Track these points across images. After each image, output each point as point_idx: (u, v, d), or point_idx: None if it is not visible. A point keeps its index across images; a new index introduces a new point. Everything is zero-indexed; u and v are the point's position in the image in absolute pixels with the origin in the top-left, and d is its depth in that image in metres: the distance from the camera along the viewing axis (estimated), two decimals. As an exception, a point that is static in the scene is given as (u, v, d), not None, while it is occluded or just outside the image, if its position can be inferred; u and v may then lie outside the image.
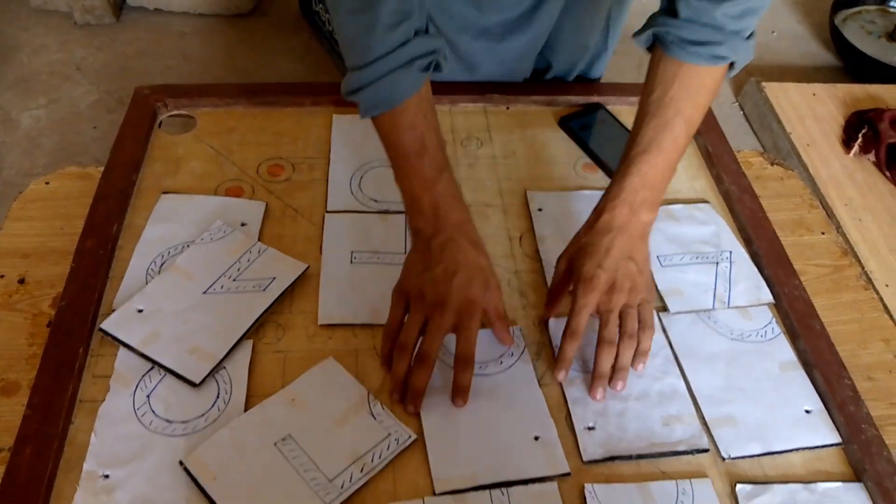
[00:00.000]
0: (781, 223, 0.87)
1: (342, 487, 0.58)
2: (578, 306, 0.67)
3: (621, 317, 0.68)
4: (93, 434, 0.60)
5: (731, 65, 0.69)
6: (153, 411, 0.62)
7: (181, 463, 0.58)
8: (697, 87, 0.69)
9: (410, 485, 0.60)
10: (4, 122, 1.60)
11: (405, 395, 0.64)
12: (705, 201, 0.87)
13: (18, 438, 0.59)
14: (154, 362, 0.64)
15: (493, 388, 0.66)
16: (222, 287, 0.71)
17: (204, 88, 0.93)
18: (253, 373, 0.66)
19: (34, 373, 0.64)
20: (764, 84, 1.85)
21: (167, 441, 0.60)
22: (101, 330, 0.66)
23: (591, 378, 0.67)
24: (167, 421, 0.61)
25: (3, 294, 0.72)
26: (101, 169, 0.81)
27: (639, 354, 0.68)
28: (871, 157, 1.64)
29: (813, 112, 1.75)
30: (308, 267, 0.74)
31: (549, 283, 0.75)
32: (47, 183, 0.83)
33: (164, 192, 0.80)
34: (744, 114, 1.96)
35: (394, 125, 0.66)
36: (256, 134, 0.89)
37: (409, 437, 0.62)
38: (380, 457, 0.60)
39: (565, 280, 0.71)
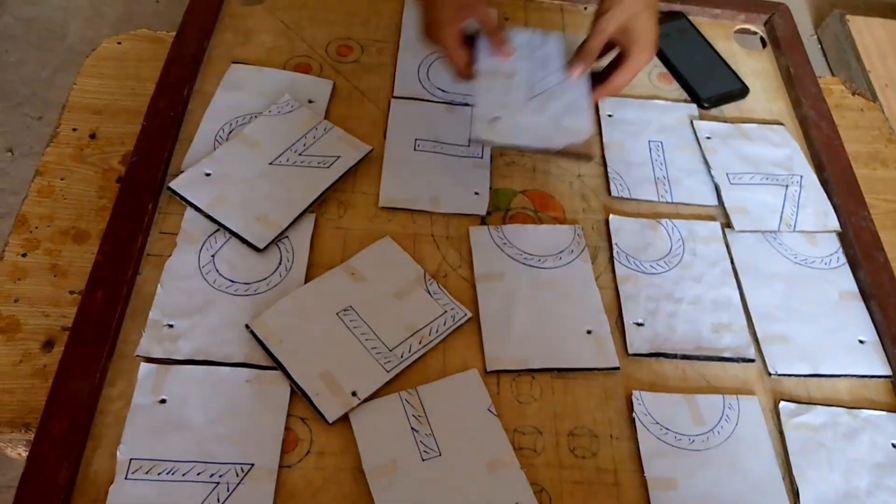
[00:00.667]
0: (856, 154, 0.84)
1: (402, 357, 0.60)
2: (637, 65, 0.68)
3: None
4: (159, 286, 0.63)
5: None
6: (217, 270, 0.64)
7: (247, 326, 0.60)
8: None
9: (459, 362, 0.62)
10: (67, -13, 1.60)
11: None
12: (781, 123, 0.84)
13: (90, 282, 0.61)
14: (220, 224, 0.66)
15: (550, 281, 0.67)
16: (288, 160, 0.71)
17: (277, -39, 0.91)
18: (314, 245, 0.67)
19: (103, 224, 0.66)
20: (848, 17, 1.74)
21: (230, 299, 0.62)
22: (169, 189, 0.68)
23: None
24: (231, 281, 0.63)
25: (76, 147, 0.73)
26: (173, 33, 0.81)
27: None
28: (952, 104, 1.56)
29: (896, 51, 1.66)
30: (372, 149, 0.74)
31: (612, 188, 0.75)
32: (119, 43, 0.83)
33: (234, 62, 0.80)
34: (822, 48, 1.86)
35: None
36: (327, 12, 0.87)
37: (465, 315, 0.63)
38: (436, 331, 0.62)
39: (610, 45, 0.70)
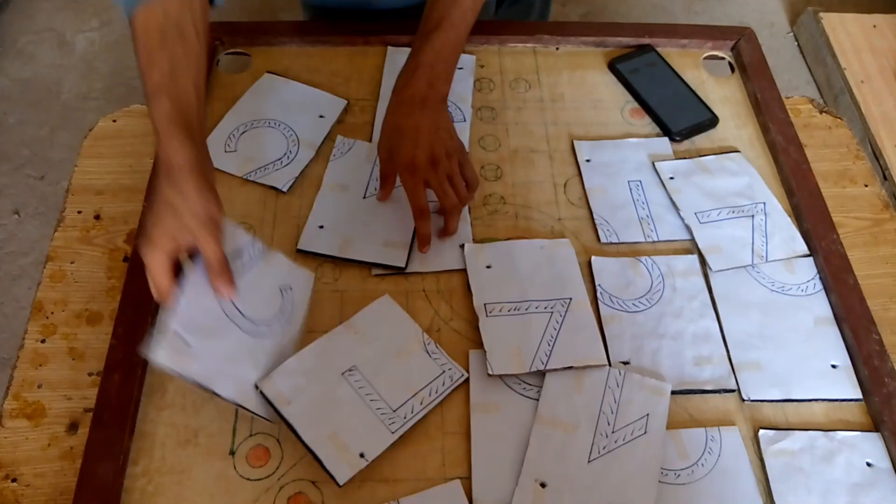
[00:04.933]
0: (825, 174, 0.88)
1: (405, 418, 0.64)
2: (411, 190, 0.72)
3: (451, 183, 0.73)
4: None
5: None
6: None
7: (256, 387, 0.64)
8: None
9: (458, 420, 0.66)
10: (61, 45, 1.64)
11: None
12: (737, 150, 0.87)
13: (107, 366, 0.65)
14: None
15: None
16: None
17: (259, 26, 0.95)
18: (313, 308, 0.71)
19: (114, 304, 0.71)
20: (822, 14, 1.78)
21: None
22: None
23: (434, 235, 0.75)
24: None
25: (82, 229, 0.78)
26: (165, 109, 0.85)
27: (445, 231, 0.76)
28: (929, 94, 1.60)
29: (871, 45, 1.69)
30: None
31: (600, 235, 0.79)
32: (114, 121, 0.87)
33: (268, 72, 0.89)
34: (798, 45, 1.90)
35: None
36: (311, 73, 0.91)
37: (462, 375, 0.68)
38: (436, 392, 0.66)
39: (390, 165, 0.75)
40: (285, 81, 0.90)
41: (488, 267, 0.75)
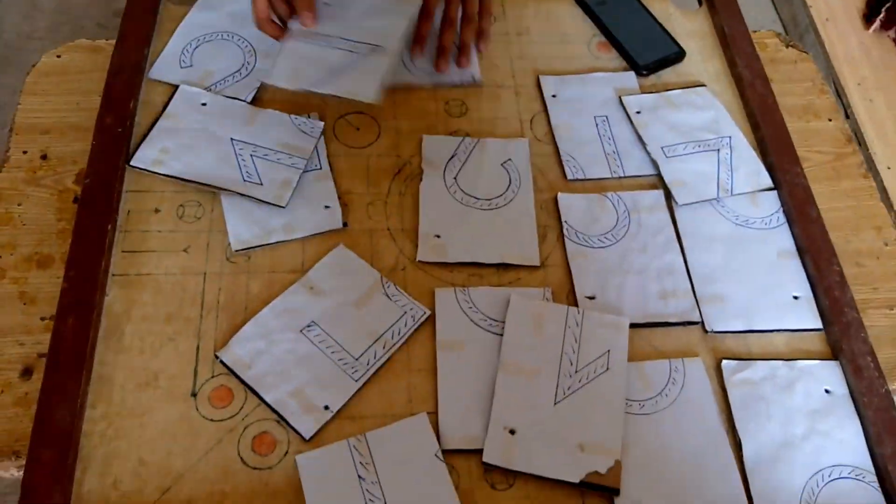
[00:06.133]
0: (790, 108, 0.87)
1: (368, 364, 0.63)
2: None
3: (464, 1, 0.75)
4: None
5: None
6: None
7: (216, 356, 0.63)
8: None
9: (424, 357, 0.66)
10: (-1, -20, 1.55)
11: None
12: (703, 85, 0.86)
13: (59, 309, 0.63)
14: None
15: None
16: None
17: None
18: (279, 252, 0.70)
19: (65, 246, 0.68)
20: (789, -51, 1.75)
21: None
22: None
23: (436, 52, 0.80)
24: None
25: (28, 170, 0.74)
26: (113, 42, 0.80)
27: (480, 35, 0.78)
28: (893, 33, 1.59)
29: (837, -18, 1.68)
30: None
31: (566, 171, 0.78)
32: (59, 56, 0.82)
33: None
34: (765, -18, 1.88)
35: None
36: (266, 7, 0.87)
37: (424, 313, 0.67)
38: (399, 334, 0.65)
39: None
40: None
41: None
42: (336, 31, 0.74)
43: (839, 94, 1.47)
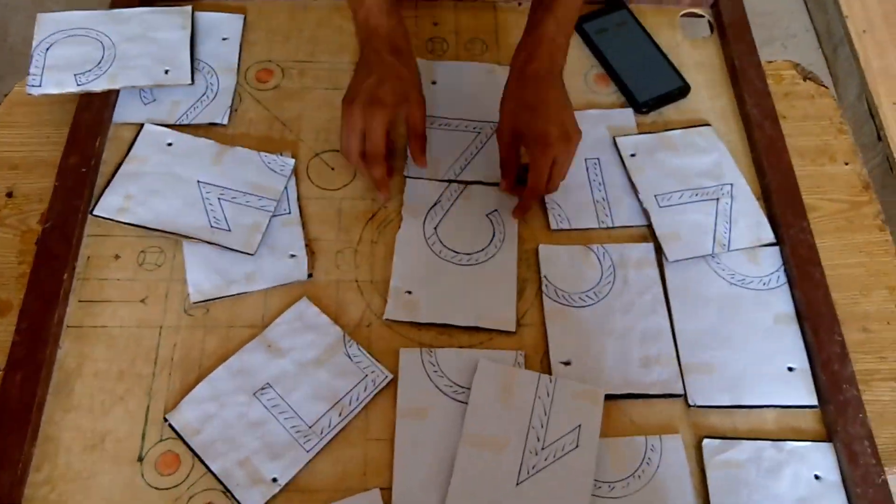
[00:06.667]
0: (803, 149, 0.81)
1: (321, 434, 0.60)
2: (541, 167, 0.67)
3: (556, 164, 0.68)
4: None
5: None
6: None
7: (165, 419, 0.61)
8: None
9: (383, 426, 0.62)
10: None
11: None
12: (707, 124, 0.80)
13: (8, 364, 0.61)
14: None
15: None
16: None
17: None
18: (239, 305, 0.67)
19: (24, 292, 0.66)
20: (828, -47, 1.65)
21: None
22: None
23: (519, 205, 0.72)
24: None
25: (-7, 208, 0.72)
26: (88, 71, 0.78)
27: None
28: (936, 45, 1.49)
29: (878, -10, 1.58)
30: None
31: (550, 221, 0.73)
32: (33, 85, 0.80)
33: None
34: (801, -13, 1.78)
35: None
36: (246, 31, 0.84)
37: (385, 377, 0.63)
38: (357, 399, 0.62)
39: (514, 145, 0.71)
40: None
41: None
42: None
43: (872, 113, 1.38)
